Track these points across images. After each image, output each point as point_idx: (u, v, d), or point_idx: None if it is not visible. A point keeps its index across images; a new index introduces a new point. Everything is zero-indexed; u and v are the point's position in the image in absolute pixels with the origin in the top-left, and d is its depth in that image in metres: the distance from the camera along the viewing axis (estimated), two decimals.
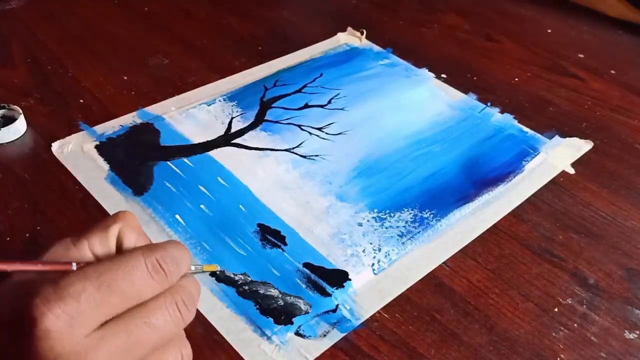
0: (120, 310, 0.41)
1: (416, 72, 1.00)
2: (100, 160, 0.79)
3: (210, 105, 0.90)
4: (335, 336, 0.61)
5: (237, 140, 0.84)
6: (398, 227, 0.73)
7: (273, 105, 0.91)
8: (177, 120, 0.86)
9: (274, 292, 0.65)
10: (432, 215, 0.75)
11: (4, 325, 0.40)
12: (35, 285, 0.39)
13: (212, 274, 0.66)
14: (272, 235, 0.71)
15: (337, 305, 0.64)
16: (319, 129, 0.87)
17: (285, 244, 0.70)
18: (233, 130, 0.86)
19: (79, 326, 0.39)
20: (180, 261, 0.45)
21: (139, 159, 0.80)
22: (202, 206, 0.74)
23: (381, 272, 0.68)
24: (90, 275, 0.40)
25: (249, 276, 0.66)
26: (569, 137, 0.88)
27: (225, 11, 1.15)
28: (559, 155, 0.85)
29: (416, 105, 0.93)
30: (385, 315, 0.64)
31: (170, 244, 0.46)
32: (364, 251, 0.70)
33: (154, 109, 0.89)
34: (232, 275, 0.66)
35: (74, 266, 0.43)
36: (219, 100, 0.91)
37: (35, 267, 0.43)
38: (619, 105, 0.96)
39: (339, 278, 0.67)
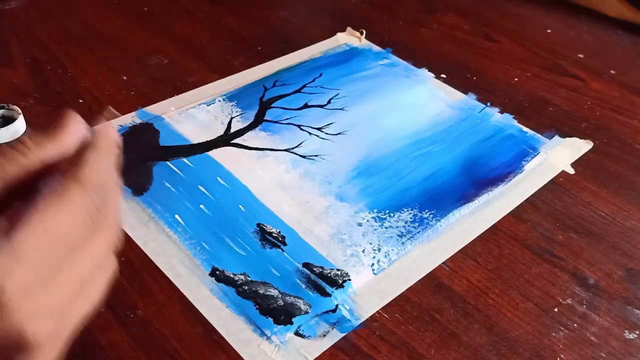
0: None
1: (416, 72, 1.00)
2: None
3: (209, 105, 0.90)
4: (335, 336, 0.61)
5: (236, 140, 0.84)
6: (398, 227, 0.73)
7: (272, 105, 0.91)
8: (177, 120, 0.86)
9: (273, 292, 0.65)
10: (431, 215, 0.75)
11: None
12: None
13: (212, 274, 0.66)
14: (271, 236, 0.71)
15: (336, 305, 0.64)
16: (319, 129, 0.87)
17: (285, 244, 0.70)
18: (232, 130, 0.85)
19: None
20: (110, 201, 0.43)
21: (138, 159, 0.80)
22: (201, 206, 0.74)
23: (381, 272, 0.68)
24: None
25: (248, 276, 0.66)
26: (569, 137, 0.88)
27: (224, 11, 1.15)
28: (559, 155, 0.85)
29: (416, 105, 0.93)
30: (385, 315, 0.64)
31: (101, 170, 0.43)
32: (363, 251, 0.70)
33: (153, 109, 0.89)
34: (231, 276, 0.66)
35: None
36: (219, 100, 0.91)
37: None
38: (618, 105, 0.96)
39: (339, 278, 0.67)
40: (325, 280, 0.66)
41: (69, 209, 0.41)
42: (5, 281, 0.37)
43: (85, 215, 0.41)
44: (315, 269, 0.68)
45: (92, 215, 0.41)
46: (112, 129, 0.46)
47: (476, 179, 0.80)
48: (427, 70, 1.00)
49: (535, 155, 0.84)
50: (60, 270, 0.40)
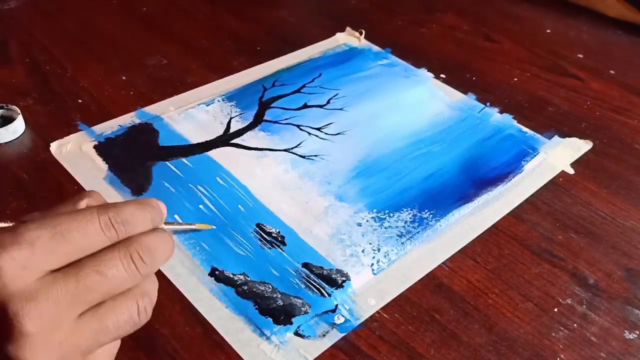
0: (73, 259, 0.43)
1: (415, 72, 1.00)
2: (99, 161, 0.79)
3: (208, 105, 0.90)
4: (335, 336, 0.61)
5: (236, 141, 0.84)
6: (397, 227, 0.73)
7: (272, 105, 0.91)
8: (176, 121, 0.86)
9: (273, 292, 0.65)
10: (431, 216, 0.75)
11: None
12: None
13: (211, 274, 0.66)
14: (271, 236, 0.71)
15: (336, 306, 0.64)
16: (318, 129, 0.87)
17: (285, 244, 0.70)
18: (232, 130, 0.85)
19: (32, 269, 0.41)
20: (133, 221, 0.46)
21: (137, 159, 0.80)
22: (200, 206, 0.73)
23: (380, 272, 0.68)
24: (47, 224, 0.42)
25: (248, 276, 0.66)
26: (569, 137, 0.88)
27: (224, 11, 1.15)
28: (558, 155, 0.85)
29: (415, 105, 0.93)
30: (385, 315, 0.64)
31: (129, 205, 0.46)
32: (363, 251, 0.70)
33: (152, 109, 0.89)
34: (231, 276, 0.66)
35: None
36: (218, 101, 0.91)
37: None
38: (618, 106, 0.96)
39: (339, 278, 0.67)
40: (324, 280, 0.66)
41: (83, 217, 0.44)
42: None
43: (97, 225, 0.44)
44: (314, 269, 0.68)
45: (106, 230, 0.44)
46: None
47: (476, 179, 0.80)
48: (426, 70, 1.00)
49: (535, 155, 0.84)
50: (60, 260, 0.42)
